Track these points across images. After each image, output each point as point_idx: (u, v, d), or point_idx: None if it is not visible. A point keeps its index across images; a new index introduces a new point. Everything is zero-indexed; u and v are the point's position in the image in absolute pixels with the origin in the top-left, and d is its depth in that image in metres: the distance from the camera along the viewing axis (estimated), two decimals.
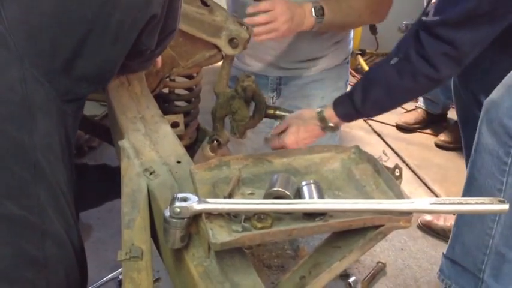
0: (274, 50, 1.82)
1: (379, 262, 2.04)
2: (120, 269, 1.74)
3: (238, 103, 1.39)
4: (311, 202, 0.80)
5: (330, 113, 1.42)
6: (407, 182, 2.47)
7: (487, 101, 1.47)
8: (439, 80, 1.33)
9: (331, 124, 1.42)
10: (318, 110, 1.45)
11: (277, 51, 1.82)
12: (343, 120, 1.43)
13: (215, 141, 1.41)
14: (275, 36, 1.53)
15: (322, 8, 1.60)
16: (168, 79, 1.40)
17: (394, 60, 1.34)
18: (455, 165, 2.66)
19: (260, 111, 1.43)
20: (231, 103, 1.39)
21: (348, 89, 1.83)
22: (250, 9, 1.53)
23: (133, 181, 0.96)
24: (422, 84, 1.32)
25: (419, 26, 1.30)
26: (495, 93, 1.47)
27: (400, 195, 0.84)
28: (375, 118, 3.05)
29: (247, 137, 1.92)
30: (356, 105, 1.38)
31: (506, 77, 1.47)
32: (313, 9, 1.59)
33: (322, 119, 1.42)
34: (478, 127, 1.52)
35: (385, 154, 2.76)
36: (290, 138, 1.44)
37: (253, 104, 1.45)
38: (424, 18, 1.29)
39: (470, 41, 1.25)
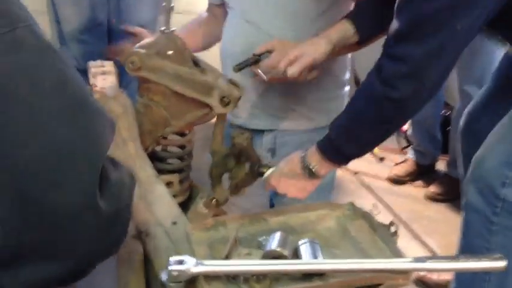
0: (263, 96, 1.77)
1: None
2: None
3: (234, 161, 1.39)
4: (309, 263, 0.80)
5: (311, 151, 1.33)
6: (400, 236, 2.45)
7: (474, 159, 1.47)
8: (401, 101, 1.19)
9: (312, 166, 1.31)
10: (302, 153, 1.35)
11: (267, 96, 1.75)
12: (322, 155, 1.30)
13: (214, 200, 1.39)
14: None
15: None
16: (160, 137, 1.41)
17: (361, 86, 1.29)
18: (445, 217, 2.67)
19: (252, 169, 1.41)
20: (226, 161, 1.39)
21: None
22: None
23: (129, 244, 0.96)
24: (387, 108, 1.21)
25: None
26: (480, 151, 1.48)
27: (396, 252, 0.85)
28: (365, 171, 3.07)
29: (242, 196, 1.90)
30: (329, 132, 1.30)
31: (490, 134, 1.48)
32: None
33: (303, 160, 1.33)
34: (465, 186, 1.52)
35: (376, 207, 2.76)
36: (281, 189, 1.40)
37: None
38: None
39: (420, 53, 1.15)
